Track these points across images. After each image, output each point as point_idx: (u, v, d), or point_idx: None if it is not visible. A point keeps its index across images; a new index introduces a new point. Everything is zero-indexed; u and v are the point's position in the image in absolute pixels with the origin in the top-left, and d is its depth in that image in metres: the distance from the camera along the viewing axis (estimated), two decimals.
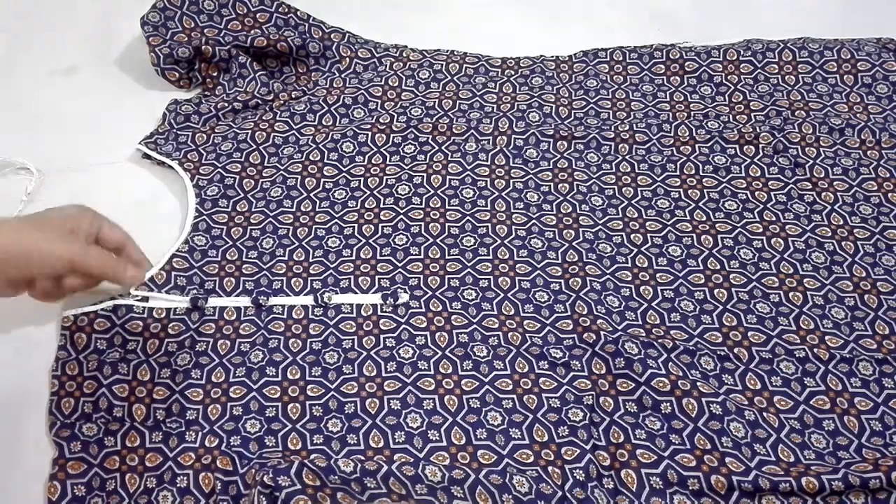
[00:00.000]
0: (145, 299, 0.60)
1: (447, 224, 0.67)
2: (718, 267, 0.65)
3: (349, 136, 0.72)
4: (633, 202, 0.69)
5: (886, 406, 0.57)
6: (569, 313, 0.61)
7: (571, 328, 0.60)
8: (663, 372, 0.57)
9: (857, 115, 0.75)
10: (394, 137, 0.73)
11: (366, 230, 0.66)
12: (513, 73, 0.79)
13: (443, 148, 0.72)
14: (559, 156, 0.72)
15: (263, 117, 0.73)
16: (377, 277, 0.63)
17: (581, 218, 0.68)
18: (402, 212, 0.68)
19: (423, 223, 0.67)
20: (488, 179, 0.70)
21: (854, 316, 0.61)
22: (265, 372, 0.57)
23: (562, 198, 0.69)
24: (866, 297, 0.62)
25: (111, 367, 0.57)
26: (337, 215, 0.67)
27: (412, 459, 0.53)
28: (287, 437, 0.54)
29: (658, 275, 0.64)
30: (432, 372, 0.58)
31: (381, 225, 0.67)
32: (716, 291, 0.63)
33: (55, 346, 0.58)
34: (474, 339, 0.60)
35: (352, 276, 0.63)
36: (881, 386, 0.57)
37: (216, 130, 0.72)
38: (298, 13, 0.79)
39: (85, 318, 0.59)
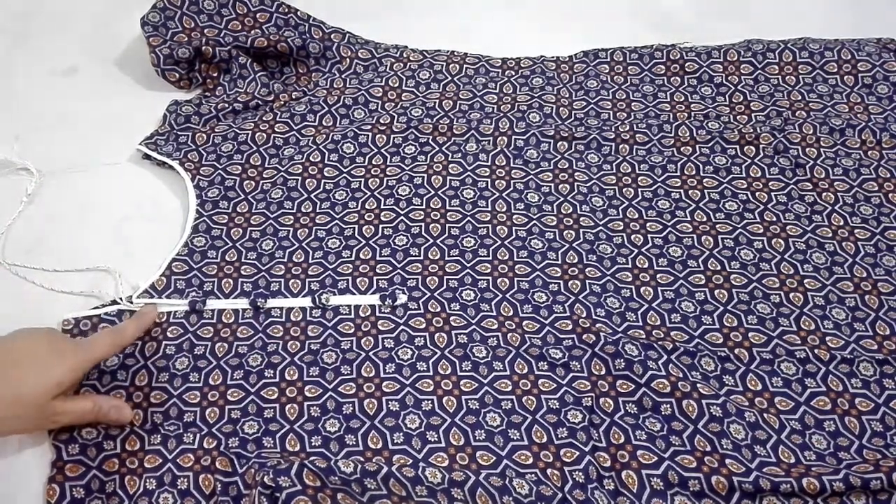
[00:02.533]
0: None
1: (448, 225, 0.67)
2: (719, 268, 0.65)
3: (350, 137, 0.72)
4: (633, 203, 0.69)
5: (887, 407, 0.56)
6: (568, 314, 0.61)
7: (571, 329, 0.60)
8: (663, 373, 0.57)
9: (858, 115, 0.74)
10: (394, 138, 0.73)
11: (366, 231, 0.66)
12: (513, 73, 0.79)
13: (443, 148, 0.72)
14: (560, 156, 0.72)
15: (264, 118, 0.73)
16: (375, 278, 0.63)
17: (582, 219, 0.68)
18: (402, 213, 0.68)
19: (423, 224, 0.67)
20: (489, 180, 0.70)
21: (855, 317, 0.61)
22: (263, 374, 0.57)
23: (562, 198, 0.69)
24: (867, 297, 0.62)
25: (110, 375, 0.57)
26: (337, 216, 0.67)
27: (411, 461, 0.53)
28: (285, 439, 0.54)
29: (658, 276, 0.64)
30: (431, 373, 0.58)
31: (381, 226, 0.67)
32: (716, 292, 0.63)
33: None
34: (473, 339, 0.60)
35: (350, 278, 0.63)
36: (882, 387, 0.57)
37: (216, 131, 0.72)
38: (298, 13, 0.79)
39: (88, 322, 0.59)
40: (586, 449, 0.54)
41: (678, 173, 0.71)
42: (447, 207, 0.68)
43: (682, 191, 0.70)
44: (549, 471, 0.53)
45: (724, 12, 0.88)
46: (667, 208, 0.69)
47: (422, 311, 0.61)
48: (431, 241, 0.66)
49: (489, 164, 0.71)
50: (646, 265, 0.65)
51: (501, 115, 0.75)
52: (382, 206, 0.68)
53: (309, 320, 0.61)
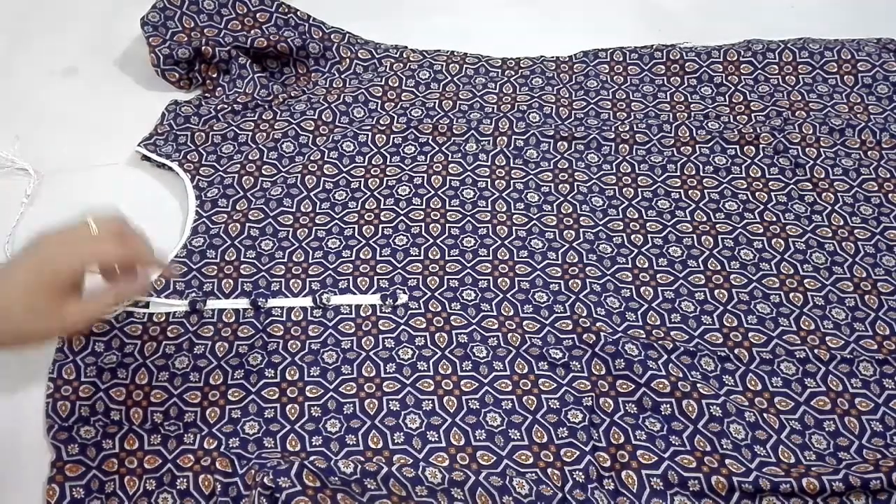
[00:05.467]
0: (146, 305, 0.60)
1: (447, 225, 0.67)
2: (719, 267, 0.65)
3: (349, 137, 0.72)
4: (633, 203, 0.69)
5: (887, 407, 0.56)
6: (568, 314, 0.61)
7: (571, 328, 0.60)
8: (663, 373, 0.57)
9: (858, 115, 0.75)
10: (394, 138, 0.73)
11: (366, 231, 0.66)
12: (513, 73, 0.79)
13: (443, 148, 0.72)
14: (559, 156, 0.72)
15: (263, 116, 0.73)
16: (376, 278, 0.63)
17: (582, 218, 0.68)
18: (402, 213, 0.68)
19: (423, 224, 0.67)
20: (489, 180, 0.70)
21: (854, 316, 0.61)
22: (263, 374, 0.57)
23: (562, 198, 0.69)
24: (867, 297, 0.62)
25: (109, 372, 0.57)
26: (337, 216, 0.67)
27: (411, 461, 0.53)
28: (286, 439, 0.54)
29: (658, 275, 0.64)
30: (431, 373, 0.58)
31: (381, 226, 0.67)
32: (716, 292, 0.63)
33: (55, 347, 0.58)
34: (474, 339, 0.60)
35: (350, 277, 0.63)
36: (882, 386, 0.57)
37: (216, 131, 0.72)
38: (298, 13, 0.79)
39: None
40: (586, 449, 0.54)
41: (678, 173, 0.71)
42: (447, 207, 0.68)
43: (682, 191, 0.70)
44: (549, 470, 0.53)
45: (724, 12, 0.88)
46: (667, 208, 0.69)
47: (422, 310, 0.61)
48: (431, 240, 0.66)
49: (489, 164, 0.71)
50: (646, 265, 0.65)
51: (501, 115, 0.75)
52: (382, 206, 0.68)
53: (310, 320, 0.61)
